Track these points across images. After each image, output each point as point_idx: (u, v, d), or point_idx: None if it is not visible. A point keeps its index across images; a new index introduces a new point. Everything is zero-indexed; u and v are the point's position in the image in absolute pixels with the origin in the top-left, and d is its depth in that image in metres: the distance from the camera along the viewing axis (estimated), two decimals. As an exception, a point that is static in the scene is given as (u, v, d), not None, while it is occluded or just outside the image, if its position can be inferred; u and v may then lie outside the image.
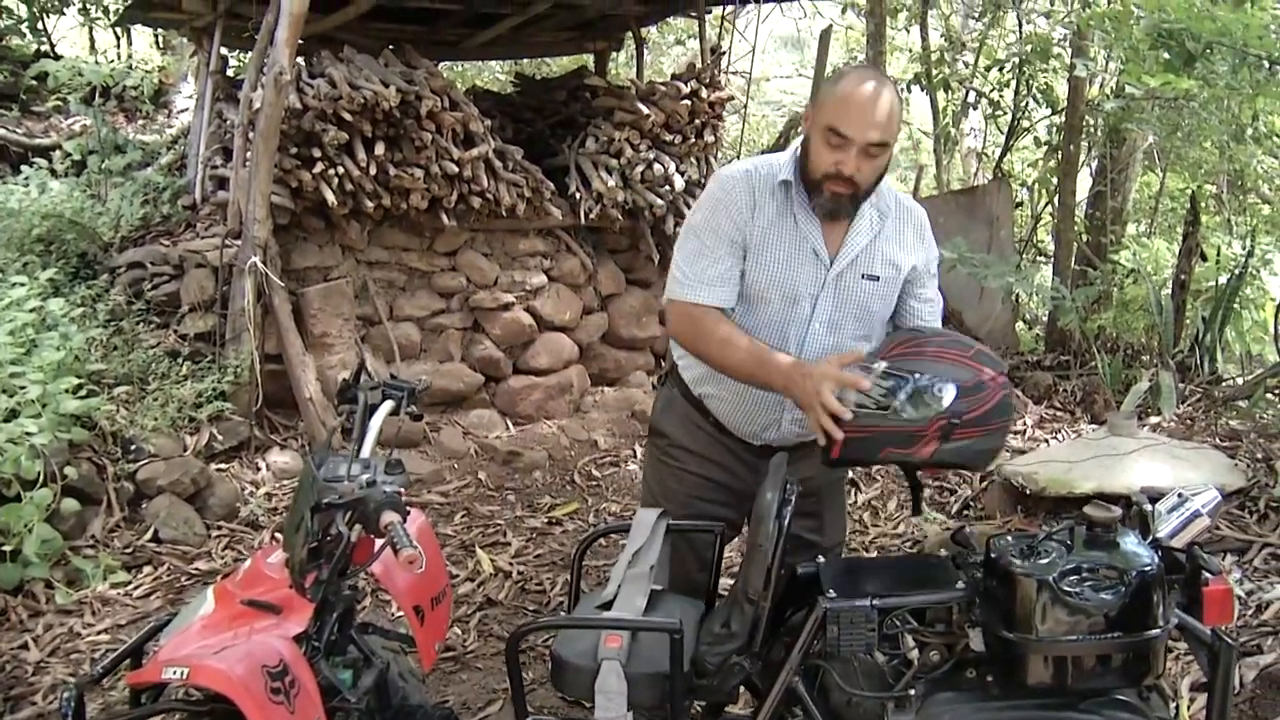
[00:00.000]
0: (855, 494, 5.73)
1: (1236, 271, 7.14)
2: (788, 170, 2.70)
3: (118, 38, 11.34)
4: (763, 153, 13.47)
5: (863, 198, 2.65)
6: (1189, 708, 3.23)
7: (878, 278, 2.74)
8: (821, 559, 2.45)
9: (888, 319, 2.84)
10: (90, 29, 11.38)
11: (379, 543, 2.42)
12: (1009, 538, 2.22)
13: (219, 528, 5.27)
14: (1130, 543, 2.14)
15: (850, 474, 5.86)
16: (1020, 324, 10.25)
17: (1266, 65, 5.83)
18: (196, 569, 4.87)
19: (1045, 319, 9.12)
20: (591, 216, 7.30)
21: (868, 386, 2.28)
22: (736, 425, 2.85)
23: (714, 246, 2.68)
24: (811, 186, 2.63)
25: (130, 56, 11.03)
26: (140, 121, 9.61)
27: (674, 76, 7.77)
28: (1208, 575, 2.13)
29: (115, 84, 8.60)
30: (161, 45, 11.73)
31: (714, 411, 2.87)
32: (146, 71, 9.60)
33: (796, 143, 2.77)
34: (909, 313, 2.84)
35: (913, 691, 2.17)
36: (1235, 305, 7.15)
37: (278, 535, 4.92)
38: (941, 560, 2.41)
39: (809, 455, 2.69)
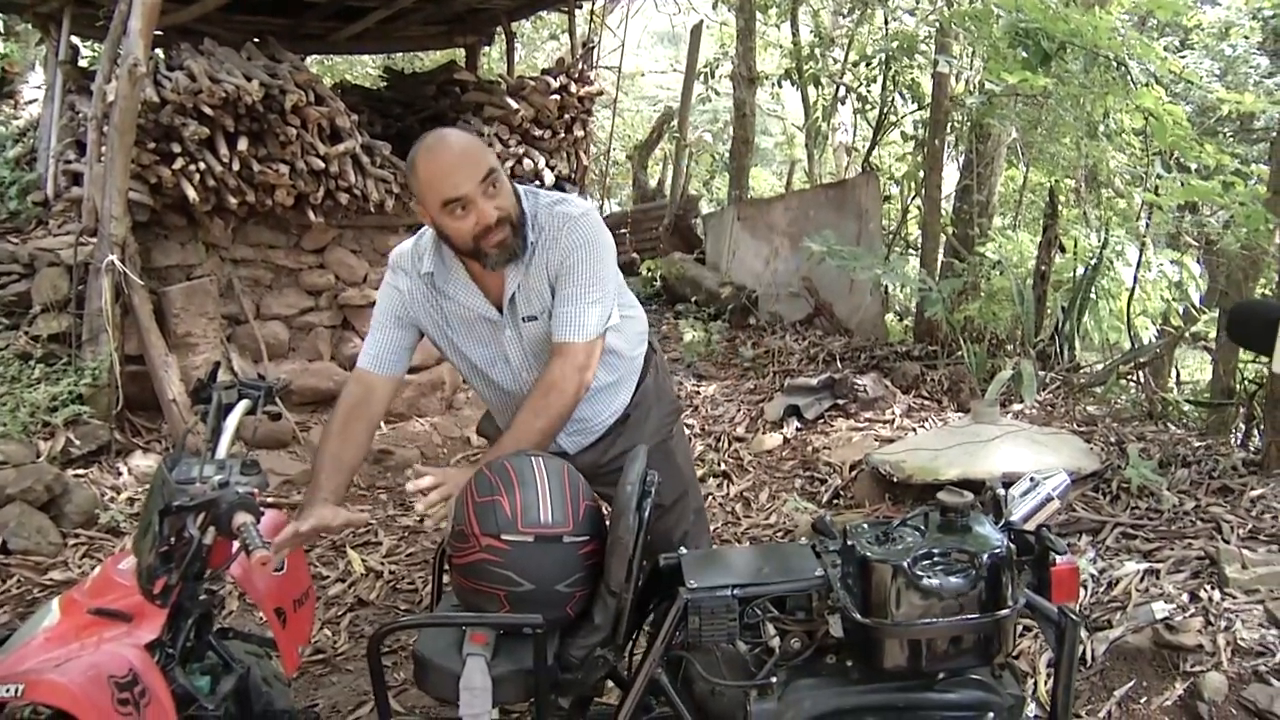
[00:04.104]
0: (728, 485, 5.78)
1: (1093, 263, 7.38)
2: (428, 262, 2.78)
3: (-50, 23, 10.78)
4: (636, 147, 13.59)
5: (520, 222, 2.65)
6: (1046, 683, 3.34)
7: (535, 317, 2.78)
8: (683, 549, 2.48)
9: None
10: (-81, 13, 10.80)
11: (236, 545, 2.36)
12: (864, 525, 2.26)
13: (76, 535, 5.07)
14: (982, 527, 2.20)
15: (722, 465, 5.92)
16: (890, 315, 10.46)
17: (1115, 65, 6.06)
18: (51, 580, 4.68)
19: (914, 310, 9.30)
20: (461, 212, 7.20)
21: None
22: None
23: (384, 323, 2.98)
24: (472, 254, 2.65)
25: (-34, 43, 10.52)
26: (-18, 112, 9.21)
27: (543, 71, 7.75)
28: (1055, 556, 2.21)
29: (-49, 73, 8.22)
30: (3, 31, 11.20)
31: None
32: (-13, 60, 9.21)
33: (423, 239, 2.83)
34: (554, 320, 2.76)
35: (774, 679, 2.19)
36: (1092, 295, 7.38)
37: (136, 541, 4.76)
38: (801, 548, 2.45)
39: (610, 444, 2.98)
